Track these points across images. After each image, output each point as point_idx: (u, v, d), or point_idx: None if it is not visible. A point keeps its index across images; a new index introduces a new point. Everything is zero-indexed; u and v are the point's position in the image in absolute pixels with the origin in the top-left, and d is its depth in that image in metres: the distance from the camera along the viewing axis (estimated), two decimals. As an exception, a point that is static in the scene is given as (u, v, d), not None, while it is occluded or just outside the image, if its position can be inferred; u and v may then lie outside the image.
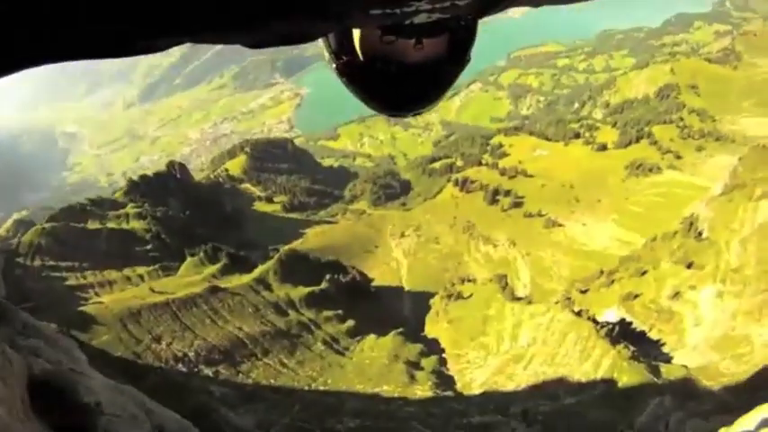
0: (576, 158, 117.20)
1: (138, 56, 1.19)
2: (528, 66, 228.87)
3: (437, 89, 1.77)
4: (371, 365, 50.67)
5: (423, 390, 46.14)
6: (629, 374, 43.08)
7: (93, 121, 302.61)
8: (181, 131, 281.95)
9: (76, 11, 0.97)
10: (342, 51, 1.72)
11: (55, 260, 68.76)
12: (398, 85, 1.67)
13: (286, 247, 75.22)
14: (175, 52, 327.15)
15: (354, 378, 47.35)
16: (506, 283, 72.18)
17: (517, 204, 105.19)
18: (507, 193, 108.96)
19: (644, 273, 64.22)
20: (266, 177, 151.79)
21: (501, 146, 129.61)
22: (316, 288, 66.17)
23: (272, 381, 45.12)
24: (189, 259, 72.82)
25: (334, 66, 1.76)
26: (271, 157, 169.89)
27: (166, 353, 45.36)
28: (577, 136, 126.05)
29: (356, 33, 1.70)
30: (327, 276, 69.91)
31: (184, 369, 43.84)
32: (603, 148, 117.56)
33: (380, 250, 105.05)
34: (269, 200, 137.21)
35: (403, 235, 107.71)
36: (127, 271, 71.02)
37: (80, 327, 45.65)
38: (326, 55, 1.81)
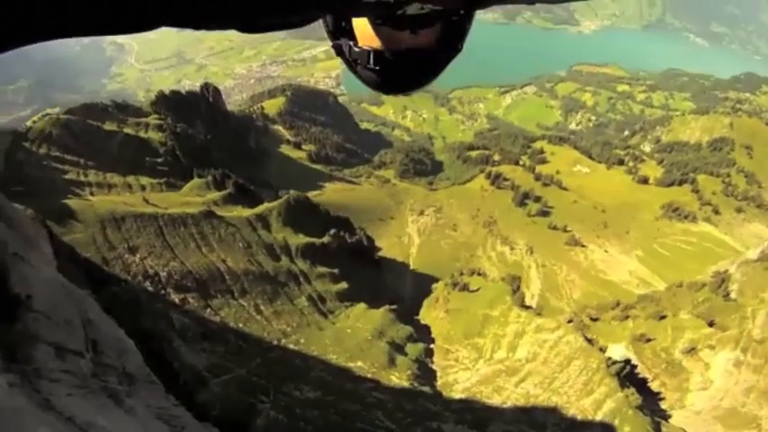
0: (614, 184, 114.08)
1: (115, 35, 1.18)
2: (587, 82, 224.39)
3: (428, 75, 1.78)
4: (352, 336, 45.59)
5: (399, 377, 40.90)
6: (632, 425, 37.35)
7: (144, 37, 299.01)
8: (228, 64, 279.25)
9: None
10: (339, 32, 1.75)
11: (61, 152, 64.88)
12: (390, 69, 1.68)
13: (297, 192, 69.65)
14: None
15: (330, 345, 42.31)
16: (518, 287, 66.46)
17: (544, 213, 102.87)
18: (537, 199, 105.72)
19: (662, 317, 58.78)
20: (300, 124, 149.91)
21: (542, 151, 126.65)
22: (317, 240, 61.01)
23: (241, 325, 40.21)
24: (195, 180, 68.66)
25: (331, 45, 1.80)
26: (309, 105, 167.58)
27: (137, 267, 40.74)
28: (621, 163, 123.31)
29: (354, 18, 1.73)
30: (332, 231, 64.65)
31: (151, 288, 39.21)
32: (644, 181, 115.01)
33: (395, 222, 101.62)
34: (297, 146, 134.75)
35: (422, 213, 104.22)
36: (130, 178, 66.94)
37: (57, 219, 41.26)
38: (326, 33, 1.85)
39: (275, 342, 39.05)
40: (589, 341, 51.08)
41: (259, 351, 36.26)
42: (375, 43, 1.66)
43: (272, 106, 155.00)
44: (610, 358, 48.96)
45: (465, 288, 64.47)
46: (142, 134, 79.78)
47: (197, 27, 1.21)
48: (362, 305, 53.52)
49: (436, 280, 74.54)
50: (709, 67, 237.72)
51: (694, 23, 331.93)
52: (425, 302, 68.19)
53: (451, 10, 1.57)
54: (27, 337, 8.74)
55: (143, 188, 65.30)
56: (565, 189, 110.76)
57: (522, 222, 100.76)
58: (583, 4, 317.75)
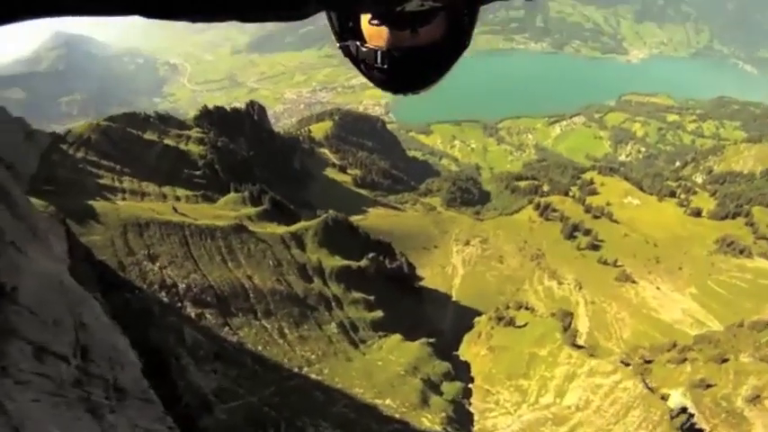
0: (666, 217, 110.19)
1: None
2: (636, 112, 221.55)
3: (436, 73, 1.77)
4: (383, 370, 41.48)
5: (431, 420, 36.35)
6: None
7: (198, 58, 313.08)
8: (279, 89, 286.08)
9: None
10: (345, 32, 1.76)
11: (98, 157, 64.78)
12: (398, 68, 1.69)
13: (336, 213, 66.95)
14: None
15: (357, 378, 38.33)
16: (570, 324, 60.86)
17: (595, 247, 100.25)
18: (587, 232, 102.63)
19: (724, 360, 52.31)
20: (346, 148, 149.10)
21: (592, 182, 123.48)
22: (354, 263, 57.64)
23: (260, 348, 36.90)
24: (231, 194, 67.18)
25: (338, 45, 1.79)
26: (357, 130, 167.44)
27: (154, 275, 38.30)
28: (673, 195, 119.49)
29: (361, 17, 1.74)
30: (371, 255, 61.21)
31: (166, 299, 36.60)
32: (697, 214, 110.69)
33: (439, 251, 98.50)
34: (342, 169, 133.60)
35: (467, 243, 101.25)
36: (166, 188, 66.15)
37: (78, 218, 39.81)
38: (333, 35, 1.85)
39: (296, 370, 35.41)
40: (650, 388, 45.77)
41: (276, 378, 32.70)
42: (382, 43, 1.65)
43: (320, 130, 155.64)
44: (672, 408, 43.10)
45: (511, 323, 59.49)
46: (182, 146, 79.55)
47: (194, 19, 1.24)
48: (398, 336, 49.40)
49: (479, 314, 70.56)
50: (760, 94, 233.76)
51: (742, 50, 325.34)
52: (466, 337, 63.49)
53: (452, 6, 1.59)
54: (2, 331, 7.91)
55: (177, 199, 63.89)
56: (615, 222, 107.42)
57: (570, 256, 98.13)
58: (631, 32, 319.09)
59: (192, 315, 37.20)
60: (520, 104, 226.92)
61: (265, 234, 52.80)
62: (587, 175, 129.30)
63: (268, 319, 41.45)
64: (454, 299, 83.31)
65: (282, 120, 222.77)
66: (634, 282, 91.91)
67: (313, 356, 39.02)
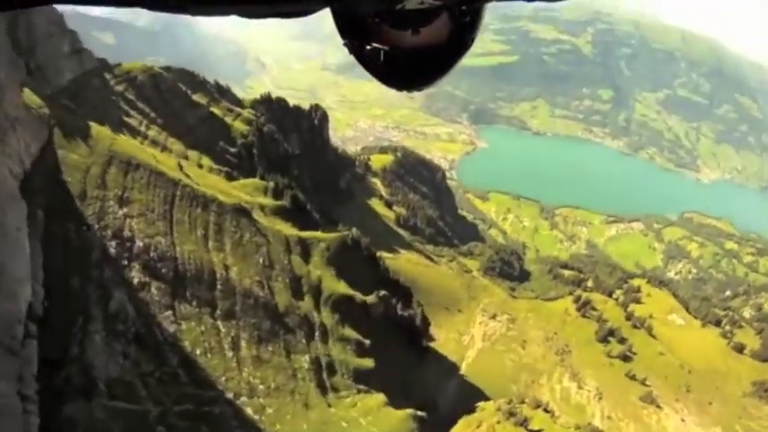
0: (707, 345, 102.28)
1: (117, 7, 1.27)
2: (695, 232, 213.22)
3: (439, 71, 1.80)
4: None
5: None
6: None
7: (287, 64, 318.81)
8: (354, 116, 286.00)
9: None
10: (350, 31, 1.75)
11: (136, 98, 60.52)
12: (401, 66, 1.71)
13: (360, 235, 58.32)
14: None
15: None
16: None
17: (626, 358, 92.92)
18: (623, 340, 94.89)
19: None
20: (398, 186, 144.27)
21: (639, 290, 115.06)
22: (360, 296, 48.27)
23: (198, 351, 27.84)
24: (254, 179, 60.17)
25: (344, 44, 1.80)
26: (415, 172, 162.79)
27: (114, 220, 30.66)
28: (718, 323, 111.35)
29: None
30: (383, 293, 51.71)
31: (113, 251, 28.65)
32: (739, 349, 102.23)
33: (462, 317, 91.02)
34: (388, 204, 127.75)
35: (494, 317, 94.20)
36: (192, 153, 60.29)
37: (68, 131, 33.40)
38: (339, 35, 1.82)
39: (229, 395, 26.12)
40: None
41: (197, 396, 23.70)
42: (385, 42, 1.65)
43: (379, 161, 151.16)
44: None
45: (523, 424, 48.13)
46: (228, 119, 73.85)
47: (193, 12, 1.23)
48: (381, 397, 39.17)
49: (485, 398, 63.21)
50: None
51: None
52: (463, 421, 53.02)
53: (451, 5, 1.56)
54: None
55: (200, 166, 57.98)
56: (653, 337, 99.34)
57: (598, 361, 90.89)
58: (708, 151, 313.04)
59: (135, 281, 29.21)
60: (582, 196, 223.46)
61: (268, 228, 44.47)
62: (636, 282, 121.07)
63: (227, 321, 32.61)
64: (462, 372, 75.80)
65: (348, 146, 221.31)
66: (659, 407, 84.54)
67: (261, 386, 29.60)
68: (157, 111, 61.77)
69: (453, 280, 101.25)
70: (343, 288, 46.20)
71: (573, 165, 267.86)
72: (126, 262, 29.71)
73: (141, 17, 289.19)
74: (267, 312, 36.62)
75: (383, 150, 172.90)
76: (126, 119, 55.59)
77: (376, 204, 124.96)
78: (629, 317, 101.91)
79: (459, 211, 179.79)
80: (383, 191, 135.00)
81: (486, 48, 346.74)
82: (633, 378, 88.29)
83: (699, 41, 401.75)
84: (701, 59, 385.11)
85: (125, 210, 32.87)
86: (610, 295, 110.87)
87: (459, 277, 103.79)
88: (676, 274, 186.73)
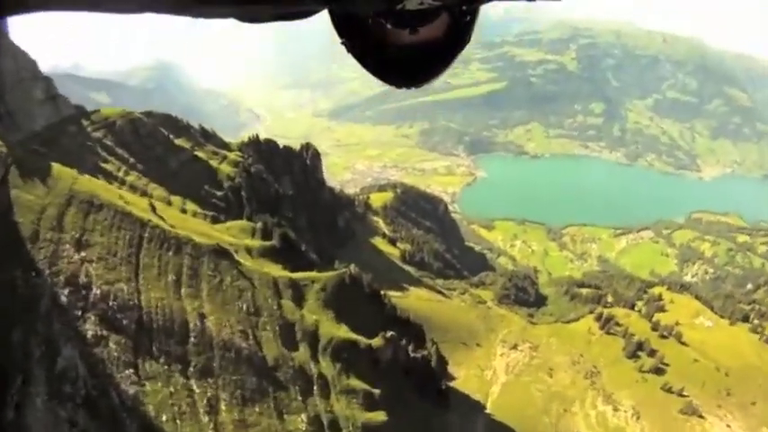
0: (739, 343, 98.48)
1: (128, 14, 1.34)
2: (706, 231, 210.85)
3: (436, 68, 1.79)
4: None
5: None
6: None
7: (280, 113, 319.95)
8: (351, 158, 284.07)
9: None
10: (347, 29, 1.73)
11: (115, 144, 57.77)
12: (399, 63, 1.72)
13: (361, 271, 52.52)
14: (378, 87, 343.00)
15: None
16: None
17: (659, 371, 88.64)
18: (653, 353, 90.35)
19: None
20: (401, 222, 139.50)
21: (661, 298, 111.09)
22: (364, 340, 42.03)
23: (164, 417, 21.97)
24: (242, 221, 55.05)
25: (341, 42, 1.77)
26: (417, 207, 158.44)
27: (68, 265, 25.64)
28: (746, 319, 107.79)
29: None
30: (390, 335, 45.40)
31: (64, 299, 23.30)
32: None
33: (481, 351, 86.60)
34: (392, 242, 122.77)
35: (515, 347, 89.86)
36: (175, 198, 55.84)
37: (26, 171, 28.82)
38: (335, 33, 1.80)
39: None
40: None
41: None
42: (383, 40, 1.65)
43: (379, 199, 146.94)
44: None
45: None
46: (213, 163, 69.51)
47: (191, 13, 1.23)
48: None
49: None
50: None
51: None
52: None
53: (451, 5, 1.55)
54: None
55: (183, 212, 53.26)
56: (684, 344, 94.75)
57: (631, 378, 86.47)
58: (706, 148, 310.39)
59: (90, 335, 23.73)
60: (587, 212, 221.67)
61: (254, 271, 38.70)
62: (655, 290, 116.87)
63: (202, 380, 26.72)
64: (488, 410, 71.08)
65: (347, 188, 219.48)
66: (701, 416, 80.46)
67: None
68: (137, 156, 58.76)
69: (468, 313, 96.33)
70: (344, 332, 39.98)
71: (574, 183, 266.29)
72: (80, 312, 24.27)
73: (134, 77, 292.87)
74: (252, 367, 30.53)
75: (382, 188, 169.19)
76: (103, 165, 52.59)
77: (379, 242, 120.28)
78: (655, 327, 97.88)
79: (466, 243, 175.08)
80: (385, 228, 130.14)
81: (474, 77, 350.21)
82: (670, 391, 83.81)
83: (680, 41, 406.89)
84: (685, 59, 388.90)
85: (83, 254, 27.62)
86: (632, 308, 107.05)
87: (473, 309, 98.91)
88: (693, 276, 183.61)
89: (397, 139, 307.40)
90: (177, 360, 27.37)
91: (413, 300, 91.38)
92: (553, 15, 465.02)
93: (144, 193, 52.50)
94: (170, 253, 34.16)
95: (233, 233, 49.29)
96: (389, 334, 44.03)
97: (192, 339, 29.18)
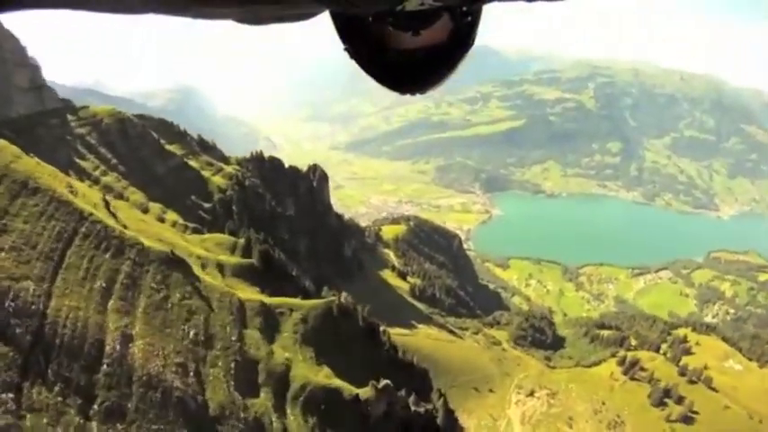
0: None
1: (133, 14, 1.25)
2: (725, 271, 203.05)
3: (441, 73, 1.75)
4: None
5: None
6: None
7: (298, 144, 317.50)
8: (366, 192, 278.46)
9: None
10: (350, 34, 1.70)
11: (98, 142, 51.92)
12: (402, 68, 1.67)
13: (351, 299, 43.26)
14: (396, 122, 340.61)
15: None
16: None
17: (688, 420, 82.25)
18: (680, 400, 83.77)
19: None
20: (413, 255, 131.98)
21: (686, 340, 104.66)
22: (350, 388, 32.32)
23: None
24: (222, 235, 46.71)
25: (344, 48, 1.73)
26: (431, 242, 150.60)
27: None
28: None
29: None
30: (384, 384, 35.43)
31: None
32: None
33: (494, 397, 79.27)
34: (401, 275, 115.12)
35: (532, 394, 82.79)
36: (155, 205, 48.70)
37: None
38: (338, 38, 1.76)
39: None
40: None
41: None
42: (385, 44, 1.62)
43: (390, 231, 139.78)
44: None
45: None
46: (204, 172, 61.73)
47: (192, 13, 1.20)
48: None
49: None
50: None
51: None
52: None
53: (452, 6, 1.52)
54: None
55: (161, 221, 45.44)
56: (714, 390, 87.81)
57: (658, 429, 79.86)
58: (723, 187, 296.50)
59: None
60: (604, 252, 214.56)
61: (214, 289, 29.94)
62: (680, 332, 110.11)
63: (107, 424, 18.55)
64: None
65: (362, 222, 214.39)
66: None
67: None
68: (121, 157, 52.99)
69: (481, 354, 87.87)
70: (324, 377, 30.40)
71: (590, 222, 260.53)
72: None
73: (155, 98, 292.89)
74: (185, 414, 21.47)
75: (395, 221, 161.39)
76: (78, 161, 46.45)
77: (388, 275, 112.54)
78: (682, 372, 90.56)
79: (480, 280, 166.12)
80: (396, 261, 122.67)
81: (492, 115, 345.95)
82: None
83: (696, 79, 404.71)
84: (702, 96, 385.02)
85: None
86: (657, 350, 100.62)
87: (487, 351, 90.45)
88: (714, 317, 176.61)
89: (413, 175, 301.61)
90: (78, 392, 18.97)
91: (420, 338, 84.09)
92: (572, 54, 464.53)
93: (119, 196, 45.71)
94: (107, 255, 25.85)
95: (207, 246, 40.76)
96: (384, 382, 34.12)
97: (105, 367, 20.54)
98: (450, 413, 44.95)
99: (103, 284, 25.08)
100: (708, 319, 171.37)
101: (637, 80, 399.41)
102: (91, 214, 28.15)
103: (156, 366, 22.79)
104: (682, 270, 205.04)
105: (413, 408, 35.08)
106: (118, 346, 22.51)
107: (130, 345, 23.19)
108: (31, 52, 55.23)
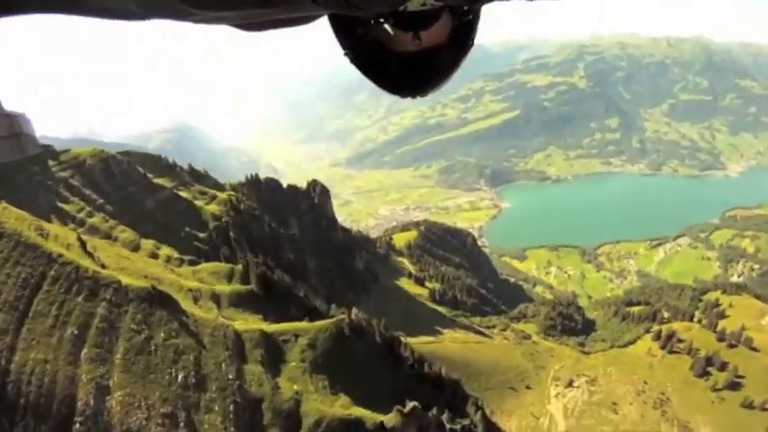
0: None
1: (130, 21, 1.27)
2: (743, 227, 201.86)
3: (442, 75, 1.73)
4: None
5: None
6: None
7: (298, 166, 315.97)
8: (373, 204, 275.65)
9: None
10: (349, 38, 1.68)
11: (82, 184, 50.16)
12: (403, 71, 1.66)
13: (363, 315, 39.46)
14: (393, 131, 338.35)
15: None
16: None
17: (734, 386, 78.97)
18: (724, 366, 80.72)
19: None
20: (428, 260, 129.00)
21: (718, 304, 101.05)
22: (372, 416, 28.41)
23: None
24: (219, 263, 43.34)
25: (344, 54, 1.73)
26: (444, 243, 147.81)
27: None
28: None
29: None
30: (411, 406, 31.37)
31: None
32: None
33: (533, 394, 75.15)
34: (419, 282, 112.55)
35: (571, 384, 78.92)
36: (147, 242, 45.89)
37: None
38: (338, 44, 1.76)
39: None
40: None
41: None
42: (386, 47, 1.60)
43: (402, 239, 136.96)
44: None
45: None
46: (197, 202, 58.61)
47: (189, 19, 1.16)
48: None
49: None
50: None
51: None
52: None
53: (453, 6, 1.51)
54: None
55: (154, 257, 42.44)
56: (755, 350, 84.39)
57: (705, 399, 76.80)
58: (727, 145, 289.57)
59: None
60: (619, 228, 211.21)
61: (206, 323, 26.36)
62: (711, 296, 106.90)
63: None
64: None
65: (372, 234, 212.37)
66: None
67: None
68: (107, 197, 50.84)
69: (512, 351, 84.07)
70: (341, 407, 26.57)
71: (601, 201, 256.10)
72: None
73: (153, 140, 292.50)
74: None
75: (405, 228, 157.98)
76: (61, 205, 44.11)
77: (405, 283, 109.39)
78: (721, 337, 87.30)
79: (500, 275, 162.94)
80: (411, 268, 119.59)
81: (487, 110, 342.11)
82: (751, 406, 74.04)
83: (684, 42, 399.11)
84: (692, 58, 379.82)
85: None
86: (691, 319, 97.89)
87: (518, 346, 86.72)
88: (740, 276, 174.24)
89: (417, 180, 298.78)
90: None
91: (447, 344, 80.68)
92: (557, 38, 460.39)
93: (107, 236, 42.90)
94: (79, 298, 22.52)
95: (201, 276, 37.33)
96: (411, 405, 30.07)
97: (78, 426, 17.06)
98: (490, 425, 40.71)
99: (75, 331, 21.81)
100: (734, 278, 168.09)
101: (625, 53, 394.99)
102: (60, 256, 24.93)
103: (137, 420, 19.32)
104: (700, 234, 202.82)
105: (448, 426, 30.94)
106: (92, 401, 19.15)
107: (107, 397, 19.77)
108: (19, 108, 53.49)
